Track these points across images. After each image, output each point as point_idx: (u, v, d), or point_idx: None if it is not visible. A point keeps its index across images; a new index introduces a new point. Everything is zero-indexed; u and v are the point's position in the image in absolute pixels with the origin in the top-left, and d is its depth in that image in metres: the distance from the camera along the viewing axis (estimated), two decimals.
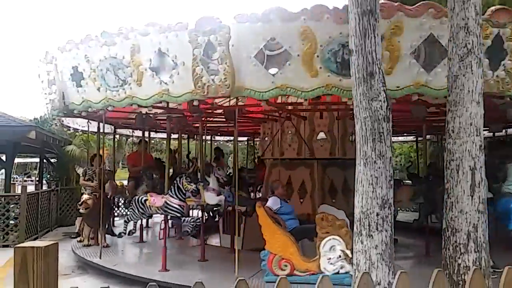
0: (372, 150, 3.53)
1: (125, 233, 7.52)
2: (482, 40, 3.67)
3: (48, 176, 15.49)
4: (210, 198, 7.04)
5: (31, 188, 11.57)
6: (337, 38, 4.84)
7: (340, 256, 5.43)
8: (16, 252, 1.46)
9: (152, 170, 8.52)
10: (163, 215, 7.05)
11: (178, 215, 6.69)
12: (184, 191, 6.67)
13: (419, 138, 12.15)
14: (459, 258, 3.52)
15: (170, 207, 6.67)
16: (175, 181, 6.77)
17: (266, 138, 8.94)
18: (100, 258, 7.03)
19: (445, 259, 3.62)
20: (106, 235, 8.17)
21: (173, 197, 6.67)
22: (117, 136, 12.19)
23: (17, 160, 15.47)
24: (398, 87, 4.96)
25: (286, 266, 5.65)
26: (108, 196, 9.07)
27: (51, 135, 11.55)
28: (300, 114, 8.14)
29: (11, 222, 9.45)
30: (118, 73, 5.70)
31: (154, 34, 5.35)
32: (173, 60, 5.25)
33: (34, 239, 9.56)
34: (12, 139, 10.18)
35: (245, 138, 15.81)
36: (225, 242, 8.12)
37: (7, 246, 9.04)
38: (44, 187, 12.94)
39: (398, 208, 10.85)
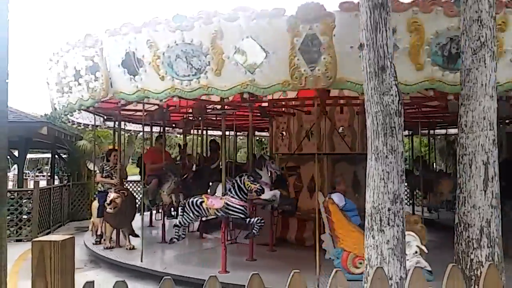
0: (384, 145, 3.51)
1: (177, 239, 6.78)
2: (495, 33, 3.62)
3: (60, 171, 15.68)
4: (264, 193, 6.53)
5: (43, 184, 11.72)
6: (445, 32, 4.71)
7: (416, 252, 5.29)
8: (34, 246, 1.48)
9: (176, 167, 8.28)
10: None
11: (242, 216, 6.32)
12: (246, 191, 6.32)
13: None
14: (471, 253, 3.50)
15: (233, 208, 6.28)
16: (234, 181, 6.46)
17: (284, 133, 8.89)
18: (142, 261, 6.59)
19: (457, 254, 3.60)
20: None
21: (234, 197, 6.31)
22: (126, 131, 12.29)
23: (28, 155, 15.64)
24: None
25: (361, 263, 5.45)
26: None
27: (63, 131, 11.67)
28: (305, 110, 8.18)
29: (24, 216, 9.60)
30: (192, 61, 5.26)
31: (243, 19, 4.99)
32: (264, 49, 4.96)
33: (47, 234, 9.69)
34: (24, 135, 10.30)
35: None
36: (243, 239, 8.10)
37: (20, 240, 9.18)
38: (56, 182, 13.09)
39: (443, 200, 10.55)
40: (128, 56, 5.72)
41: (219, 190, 6.84)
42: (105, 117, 9.90)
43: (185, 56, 5.25)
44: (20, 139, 10.50)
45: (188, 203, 6.61)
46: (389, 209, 3.46)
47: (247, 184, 6.28)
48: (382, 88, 3.53)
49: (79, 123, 10.02)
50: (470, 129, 3.57)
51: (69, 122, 9.71)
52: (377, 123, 3.55)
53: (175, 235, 6.74)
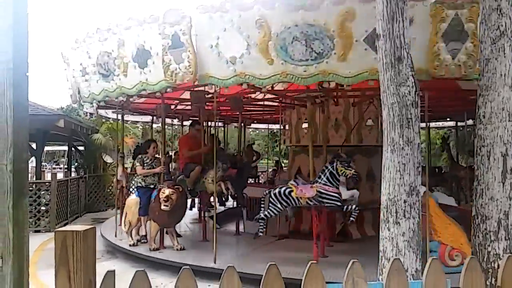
0: (400, 137, 3.48)
1: (262, 233, 6.46)
2: None
3: (76, 163, 15.94)
4: (341, 192, 6.14)
5: (60, 176, 11.93)
6: None
7: None
8: (57, 236, 1.51)
9: (224, 154, 7.89)
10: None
11: (338, 203, 6.02)
12: (338, 177, 5.99)
13: None
14: (489, 245, 3.46)
15: (327, 196, 5.98)
16: (325, 167, 6.17)
17: (303, 125, 8.83)
18: (215, 262, 5.83)
19: (474, 246, 3.57)
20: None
21: (327, 184, 6.01)
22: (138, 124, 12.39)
23: (45, 148, 15.91)
24: None
25: (457, 256, 5.53)
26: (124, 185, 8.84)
27: (79, 124, 11.84)
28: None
29: (42, 208, 9.81)
30: (313, 44, 4.85)
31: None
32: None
33: (64, 225, 9.89)
34: (41, 127, 10.48)
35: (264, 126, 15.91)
36: (249, 229, 8.17)
37: (38, 231, 9.40)
38: (73, 175, 13.32)
39: None
40: (224, 37, 5.14)
41: None
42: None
43: (305, 39, 4.80)
44: (38, 132, 10.69)
45: (275, 193, 6.21)
46: (405, 201, 3.45)
47: (341, 170, 5.97)
48: (399, 79, 3.50)
49: (92, 114, 10.09)
50: (488, 120, 3.51)
51: (84, 114, 9.76)
52: (393, 115, 3.52)
53: (261, 228, 6.39)
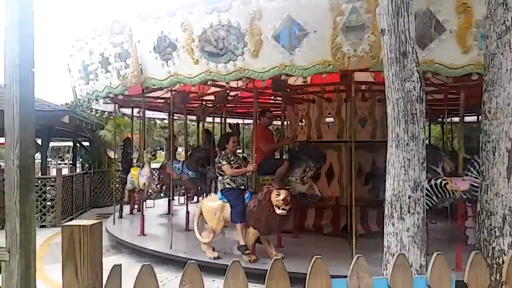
0: (405, 132, 3.47)
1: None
2: None
3: (81, 159, 16.02)
4: None
5: (65, 171, 12.00)
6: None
7: None
8: (64, 230, 1.53)
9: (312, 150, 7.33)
10: None
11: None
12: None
13: None
14: (493, 241, 3.46)
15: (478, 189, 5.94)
16: (473, 161, 5.90)
17: (304, 120, 8.84)
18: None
19: (479, 242, 3.56)
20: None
21: (478, 178, 5.92)
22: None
23: (50, 144, 15.99)
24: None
25: None
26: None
27: (84, 119, 11.89)
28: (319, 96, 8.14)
29: (48, 203, 9.87)
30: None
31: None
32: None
33: (70, 220, 9.96)
34: (47, 123, 10.53)
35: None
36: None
37: (44, 226, 9.47)
38: (78, 170, 13.39)
39: None
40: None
41: None
42: (120, 105, 9.87)
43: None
44: (43, 127, 10.74)
45: (431, 185, 5.95)
46: (409, 197, 3.44)
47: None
48: (404, 74, 3.48)
49: (97, 110, 10.10)
50: (494, 115, 3.50)
51: (90, 110, 9.76)
52: (398, 110, 3.51)
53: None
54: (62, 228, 1.54)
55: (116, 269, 1.57)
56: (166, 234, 7.54)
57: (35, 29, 1.96)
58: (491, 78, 3.53)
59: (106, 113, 10.46)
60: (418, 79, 3.49)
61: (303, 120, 8.73)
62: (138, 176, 8.59)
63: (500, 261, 3.40)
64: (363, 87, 8.03)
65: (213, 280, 5.11)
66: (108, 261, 1.58)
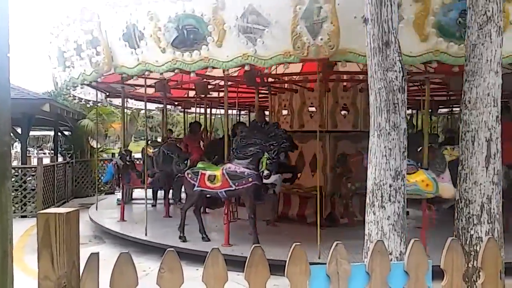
0: (387, 122, 3.49)
1: None
2: (501, 7, 3.55)
3: (62, 149, 15.76)
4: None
5: (46, 161, 11.81)
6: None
7: None
8: (39, 218, 1.50)
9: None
10: None
11: None
12: None
13: None
14: (471, 229, 3.53)
15: None
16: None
17: (285, 111, 8.85)
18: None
19: (457, 230, 3.64)
20: None
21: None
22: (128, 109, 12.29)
23: (31, 133, 15.70)
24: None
25: None
26: None
27: (65, 108, 11.68)
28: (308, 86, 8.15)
29: (29, 193, 9.71)
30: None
31: None
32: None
33: None
34: (27, 111, 10.32)
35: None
36: (241, 215, 8.18)
37: (25, 216, 9.32)
38: (60, 160, 13.18)
39: None
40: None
41: None
42: (108, 94, 9.84)
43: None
44: (23, 116, 10.52)
45: None
46: (390, 186, 3.48)
47: None
48: (386, 64, 3.49)
49: (81, 99, 9.94)
50: (473, 105, 3.55)
51: (72, 97, 9.61)
52: (380, 100, 3.53)
53: None
54: (37, 216, 1.51)
55: (93, 257, 1.55)
56: (152, 222, 7.55)
57: (16, 16, 1.90)
58: (472, 68, 3.58)
59: (90, 102, 10.29)
60: (400, 69, 3.51)
61: (286, 109, 8.76)
62: None
63: (478, 248, 3.48)
64: (345, 76, 8.06)
65: (197, 269, 5.12)
66: (90, 251, 1.56)
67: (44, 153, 22.97)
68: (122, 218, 8.13)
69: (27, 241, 7.14)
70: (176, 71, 5.77)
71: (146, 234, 6.74)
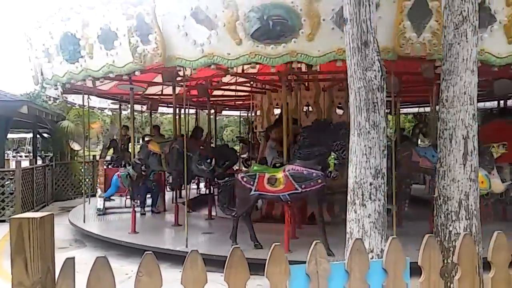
0: (366, 120, 3.53)
1: None
2: (477, 7, 3.62)
3: (42, 151, 15.46)
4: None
5: (25, 164, 11.56)
6: None
7: None
8: (12, 223, 1.46)
9: None
10: None
11: None
12: None
13: None
14: (450, 225, 3.59)
15: None
16: None
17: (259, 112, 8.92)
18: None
19: (436, 226, 3.69)
20: None
21: None
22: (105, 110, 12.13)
23: (9, 136, 15.35)
24: None
25: None
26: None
27: (44, 110, 11.45)
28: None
29: (7, 197, 9.49)
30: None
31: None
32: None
33: None
34: (4, 114, 10.08)
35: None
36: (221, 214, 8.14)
37: (3, 221, 9.10)
38: (39, 162, 12.93)
39: None
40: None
41: None
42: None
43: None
44: (0, 118, 10.27)
45: None
46: (371, 184, 3.51)
47: None
48: (365, 63, 3.53)
49: (67, 102, 9.80)
50: (451, 104, 3.61)
51: (54, 100, 9.43)
52: (360, 99, 3.56)
53: None
54: (10, 221, 1.47)
55: (69, 263, 1.52)
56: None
57: None
58: (448, 67, 3.63)
59: (76, 105, 10.15)
60: (379, 68, 3.54)
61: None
62: None
63: (457, 243, 3.54)
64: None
65: (180, 272, 5.08)
66: (70, 255, 1.52)
67: (21, 156, 22.47)
68: (134, 230, 7.11)
69: (6, 246, 6.97)
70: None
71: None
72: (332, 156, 5.84)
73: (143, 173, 7.54)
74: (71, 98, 10.15)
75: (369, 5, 3.52)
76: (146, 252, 1.56)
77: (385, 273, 1.74)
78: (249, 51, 4.99)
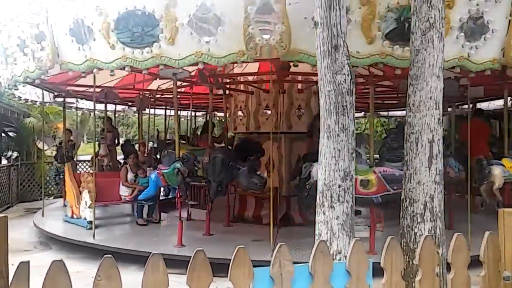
0: (336, 124, 3.56)
1: None
2: (443, 14, 3.72)
3: (9, 150, 14.93)
4: None
5: None
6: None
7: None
8: None
9: None
10: None
11: None
12: None
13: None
14: (415, 227, 3.66)
15: None
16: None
17: (240, 112, 8.86)
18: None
19: (402, 228, 3.76)
20: None
21: None
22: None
23: None
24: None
25: None
26: None
27: (9, 108, 11.05)
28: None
29: None
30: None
31: None
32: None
33: None
34: None
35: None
36: (196, 216, 8.08)
37: None
38: (4, 162, 12.47)
39: None
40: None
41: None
42: (55, 93, 9.42)
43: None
44: None
45: None
46: (339, 186, 3.54)
47: None
48: (335, 67, 3.56)
49: (26, 99, 9.47)
50: (417, 108, 3.69)
51: (15, 97, 9.10)
52: (330, 102, 3.59)
53: None
54: None
55: (23, 267, 1.46)
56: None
57: None
58: (416, 72, 3.72)
59: (38, 102, 9.80)
60: (349, 72, 3.59)
61: (242, 111, 8.78)
62: None
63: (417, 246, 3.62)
64: (300, 78, 8.18)
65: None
66: (34, 258, 1.45)
67: None
68: (181, 243, 6.31)
69: None
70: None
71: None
72: None
73: (195, 168, 6.77)
74: (36, 96, 9.83)
75: (339, 9, 3.55)
76: (105, 256, 1.51)
77: (348, 275, 1.75)
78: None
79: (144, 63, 5.21)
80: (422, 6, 3.67)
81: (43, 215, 8.43)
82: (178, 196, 6.62)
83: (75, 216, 7.73)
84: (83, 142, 21.27)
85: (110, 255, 1.53)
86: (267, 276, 1.67)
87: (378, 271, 1.85)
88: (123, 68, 5.48)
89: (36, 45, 5.75)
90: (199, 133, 12.07)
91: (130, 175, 7.95)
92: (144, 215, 7.82)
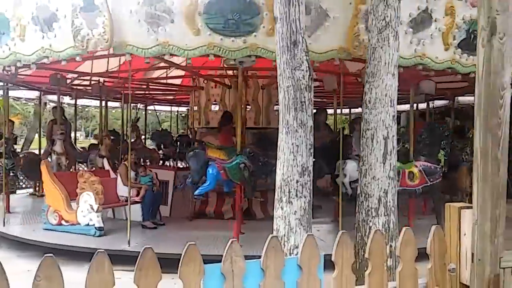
0: (294, 119, 3.59)
1: None
2: (399, 13, 3.81)
3: None
4: None
5: None
6: None
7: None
8: None
9: None
10: None
11: None
12: None
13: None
14: (370, 221, 3.76)
15: None
16: None
17: (196, 107, 8.80)
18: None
19: (358, 222, 3.85)
20: None
21: None
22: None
23: None
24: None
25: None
26: None
27: None
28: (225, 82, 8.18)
29: None
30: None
31: None
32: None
33: None
34: None
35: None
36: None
37: None
38: None
39: None
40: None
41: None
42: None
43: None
44: None
45: None
46: (297, 181, 3.58)
47: None
48: (294, 63, 3.58)
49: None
50: (373, 105, 3.78)
51: None
52: (289, 98, 3.61)
53: None
54: None
55: None
56: None
57: None
58: (372, 70, 3.80)
59: None
60: (307, 68, 3.62)
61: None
62: None
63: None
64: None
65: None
66: None
67: None
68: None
69: None
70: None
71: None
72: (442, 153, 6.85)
73: (260, 163, 6.20)
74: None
75: (299, 5, 3.57)
76: (45, 255, 1.43)
77: (300, 269, 1.76)
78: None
79: (236, 53, 4.72)
80: (379, 5, 3.75)
81: None
82: (239, 192, 6.19)
83: (65, 223, 6.74)
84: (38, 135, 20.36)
85: (51, 255, 1.45)
86: (218, 273, 1.65)
87: (329, 264, 1.87)
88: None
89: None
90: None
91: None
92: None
